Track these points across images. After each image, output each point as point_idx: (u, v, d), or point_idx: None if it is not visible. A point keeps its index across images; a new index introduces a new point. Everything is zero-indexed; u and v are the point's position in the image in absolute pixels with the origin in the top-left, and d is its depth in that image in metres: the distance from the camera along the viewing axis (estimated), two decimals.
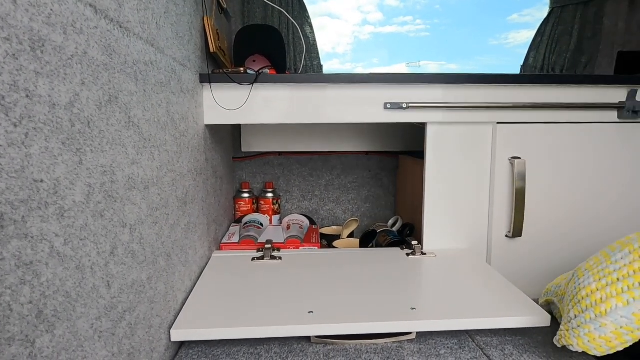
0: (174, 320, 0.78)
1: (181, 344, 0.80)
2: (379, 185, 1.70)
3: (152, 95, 0.69)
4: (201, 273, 1.01)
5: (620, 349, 0.67)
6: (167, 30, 0.77)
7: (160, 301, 0.71)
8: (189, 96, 0.92)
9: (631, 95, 1.12)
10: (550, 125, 1.13)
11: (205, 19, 1.05)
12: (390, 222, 1.56)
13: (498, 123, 1.12)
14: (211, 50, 1.07)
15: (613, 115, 1.14)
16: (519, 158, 1.11)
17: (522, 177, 1.11)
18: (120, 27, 0.57)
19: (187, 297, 0.87)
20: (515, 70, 1.83)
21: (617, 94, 1.14)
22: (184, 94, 0.88)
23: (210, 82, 1.03)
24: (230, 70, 1.07)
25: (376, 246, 1.36)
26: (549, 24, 1.67)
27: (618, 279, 0.68)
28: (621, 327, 0.65)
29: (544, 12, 1.76)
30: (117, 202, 0.55)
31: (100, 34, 0.52)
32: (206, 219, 1.07)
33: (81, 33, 0.47)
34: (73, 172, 0.45)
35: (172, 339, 0.74)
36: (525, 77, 1.11)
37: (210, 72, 1.05)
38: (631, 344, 0.66)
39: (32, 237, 0.39)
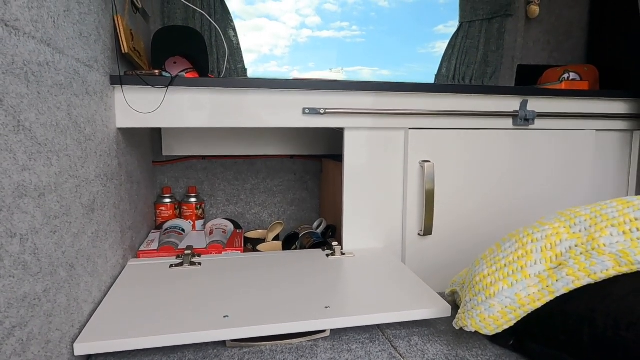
0: (79, 334, 0.74)
1: (88, 358, 0.77)
2: (304, 188, 1.73)
3: (48, 98, 0.66)
4: (113, 283, 0.97)
5: (506, 327, 0.75)
6: (67, 29, 0.74)
7: (60, 314, 0.67)
8: (96, 98, 0.88)
9: (523, 104, 1.26)
10: (457, 130, 1.23)
11: (116, 17, 1.01)
12: (315, 224, 1.60)
13: (410, 129, 1.20)
14: (123, 50, 1.03)
15: (509, 122, 1.27)
16: (429, 161, 1.20)
17: (432, 179, 1.19)
18: (6, 25, 0.54)
19: (96, 309, 0.83)
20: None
21: (512, 104, 1.27)
22: (90, 96, 0.84)
23: (122, 84, 1.00)
24: (144, 72, 1.04)
25: (300, 248, 1.38)
26: (459, 37, 1.81)
27: (505, 265, 0.76)
28: (506, 307, 0.73)
29: None
30: (3, 211, 0.52)
31: None
32: (119, 226, 1.03)
33: None
34: None
35: (76, 353, 0.70)
36: (435, 87, 1.20)
37: (122, 74, 1.01)
38: (514, 322, 0.74)
39: None
